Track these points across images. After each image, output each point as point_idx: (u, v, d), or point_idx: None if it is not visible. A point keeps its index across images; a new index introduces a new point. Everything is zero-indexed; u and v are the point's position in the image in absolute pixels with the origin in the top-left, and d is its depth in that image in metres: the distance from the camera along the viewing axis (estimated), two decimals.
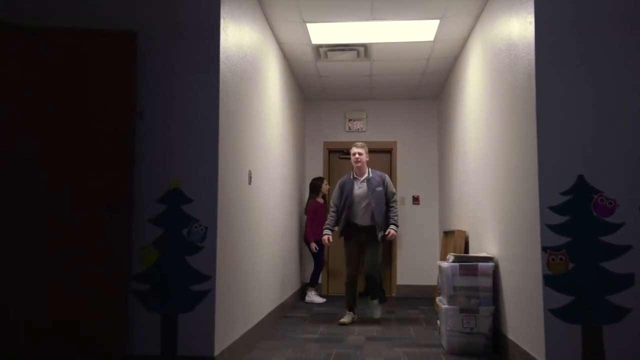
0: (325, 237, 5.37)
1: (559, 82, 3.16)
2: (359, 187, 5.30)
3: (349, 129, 7.70)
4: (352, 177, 5.38)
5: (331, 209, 5.41)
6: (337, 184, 5.45)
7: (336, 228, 5.46)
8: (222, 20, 3.41)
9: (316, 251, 6.66)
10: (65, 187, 3.12)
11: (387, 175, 5.45)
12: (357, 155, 5.31)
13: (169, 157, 3.32)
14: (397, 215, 5.35)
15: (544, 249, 3.09)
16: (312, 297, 6.74)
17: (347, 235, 5.35)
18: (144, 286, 3.26)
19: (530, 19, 3.27)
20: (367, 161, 5.41)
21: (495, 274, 4.10)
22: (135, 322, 3.22)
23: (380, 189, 5.27)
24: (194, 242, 3.26)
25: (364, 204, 5.25)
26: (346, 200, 5.28)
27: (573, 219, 3.08)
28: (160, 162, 3.31)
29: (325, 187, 6.96)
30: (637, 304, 3.00)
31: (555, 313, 3.05)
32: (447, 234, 6.21)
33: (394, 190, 5.42)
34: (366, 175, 5.35)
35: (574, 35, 3.17)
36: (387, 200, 5.32)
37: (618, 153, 3.09)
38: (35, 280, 3.05)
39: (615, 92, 3.13)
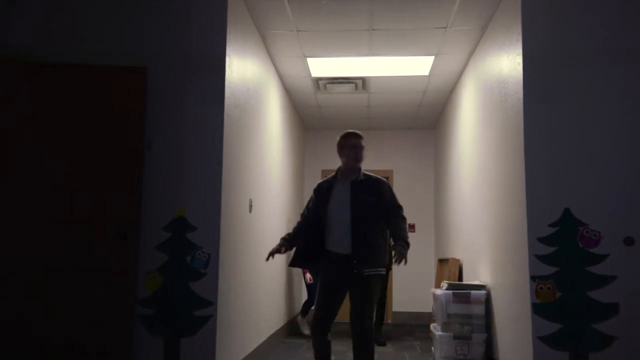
0: (273, 250, 3.46)
1: (545, 120, 3.34)
2: (339, 192, 3.44)
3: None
4: (336, 177, 3.56)
5: (299, 219, 3.76)
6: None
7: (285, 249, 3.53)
8: (227, 58, 3.60)
9: (311, 282, 6.33)
10: (77, 213, 3.27)
11: (387, 183, 3.57)
12: (361, 151, 3.58)
13: (175, 186, 3.47)
14: (405, 231, 3.42)
15: (533, 278, 3.23)
16: (302, 326, 6.37)
17: (313, 266, 3.98)
18: (148, 311, 3.38)
19: (519, 60, 3.46)
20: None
21: (488, 301, 4.23)
22: (140, 345, 3.34)
23: (371, 198, 3.39)
24: (197, 269, 3.40)
25: (341, 219, 3.36)
26: (318, 210, 3.49)
27: (560, 250, 3.24)
28: (167, 191, 3.46)
29: None
30: (622, 332, 3.13)
31: (543, 340, 3.17)
32: (442, 262, 6.34)
33: (397, 202, 3.51)
34: (355, 176, 3.48)
35: (560, 75, 3.37)
36: (385, 215, 3.42)
37: (602, 187, 3.26)
38: (52, 298, 3.21)
39: (599, 127, 3.31)
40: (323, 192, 3.55)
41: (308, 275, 6.52)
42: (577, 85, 3.36)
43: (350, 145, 3.54)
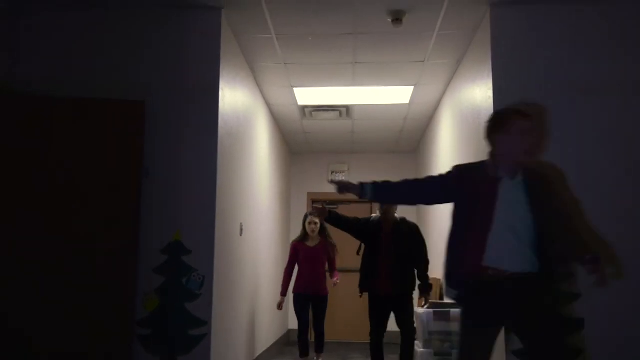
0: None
1: None
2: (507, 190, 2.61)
3: (332, 181, 8.13)
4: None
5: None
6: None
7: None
8: (220, 91, 3.85)
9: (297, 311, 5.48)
10: (79, 237, 3.47)
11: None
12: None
13: (172, 211, 3.68)
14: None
15: None
16: None
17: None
18: (146, 330, 3.56)
19: (490, 94, 3.77)
20: None
21: None
22: None
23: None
24: (192, 290, 3.60)
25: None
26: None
27: None
28: (164, 216, 3.67)
29: (307, 225, 5.55)
30: (588, 345, 3.39)
31: (516, 354, 3.41)
32: None
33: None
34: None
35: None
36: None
37: None
38: (54, 317, 3.40)
39: (565, 157, 3.60)
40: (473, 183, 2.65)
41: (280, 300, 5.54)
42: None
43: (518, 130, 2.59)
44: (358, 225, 4.77)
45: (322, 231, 5.51)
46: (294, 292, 5.48)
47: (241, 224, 4.52)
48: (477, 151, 4.10)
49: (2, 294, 3.39)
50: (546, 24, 3.74)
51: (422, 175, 7.21)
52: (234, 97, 4.29)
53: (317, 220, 5.40)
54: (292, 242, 5.67)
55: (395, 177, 8.36)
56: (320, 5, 3.81)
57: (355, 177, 8.10)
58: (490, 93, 3.76)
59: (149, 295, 3.60)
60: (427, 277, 4.75)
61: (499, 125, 2.64)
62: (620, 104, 3.63)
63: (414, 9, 3.84)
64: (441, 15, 3.93)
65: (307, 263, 5.44)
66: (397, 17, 3.90)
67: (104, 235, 3.49)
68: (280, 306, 5.51)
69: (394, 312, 4.67)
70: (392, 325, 4.79)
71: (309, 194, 8.15)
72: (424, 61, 4.75)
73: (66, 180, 3.52)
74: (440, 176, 2.82)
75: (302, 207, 8.10)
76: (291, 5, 3.81)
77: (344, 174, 8.16)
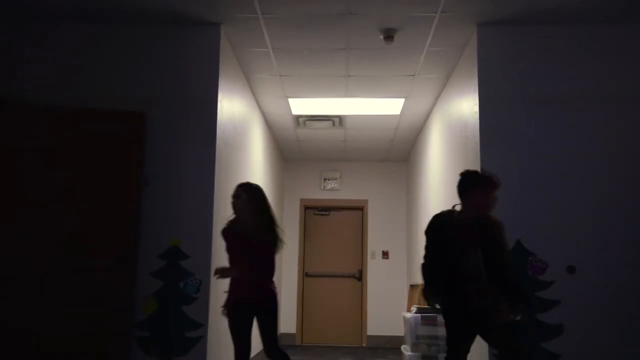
0: None
1: (499, 161, 3.82)
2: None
3: (324, 188, 8.31)
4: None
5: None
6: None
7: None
8: (219, 103, 4.01)
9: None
10: (81, 243, 3.61)
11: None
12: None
13: (170, 218, 3.83)
14: None
15: None
16: None
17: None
18: (144, 333, 3.71)
19: (476, 108, 3.96)
20: None
21: None
22: None
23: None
24: (189, 294, 3.75)
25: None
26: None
27: None
28: (163, 223, 3.82)
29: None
30: (565, 350, 3.57)
31: (498, 358, 3.58)
32: (413, 287, 6.75)
33: None
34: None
35: (510, 118, 3.87)
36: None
37: (549, 221, 3.73)
38: (56, 319, 3.55)
39: (546, 168, 3.80)
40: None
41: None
42: (526, 128, 3.86)
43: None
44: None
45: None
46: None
47: None
48: (465, 161, 4.29)
49: (5, 295, 3.52)
50: (528, 43, 3.96)
51: (413, 184, 7.40)
52: (231, 107, 4.45)
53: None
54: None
55: (386, 184, 8.57)
56: (315, 22, 3.98)
57: (347, 184, 8.33)
58: (476, 108, 3.95)
59: (147, 299, 3.74)
60: None
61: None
62: (594, 112, 3.86)
63: (405, 27, 4.02)
64: (431, 33, 4.11)
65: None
66: (389, 35, 4.08)
67: (104, 240, 3.64)
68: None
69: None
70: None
71: (301, 200, 8.31)
72: (414, 75, 4.94)
73: (68, 187, 3.67)
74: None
75: (295, 213, 8.26)
76: (287, 21, 3.98)
77: (336, 180, 8.34)
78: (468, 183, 3.21)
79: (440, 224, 3.23)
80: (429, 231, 3.26)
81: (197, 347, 3.69)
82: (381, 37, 4.13)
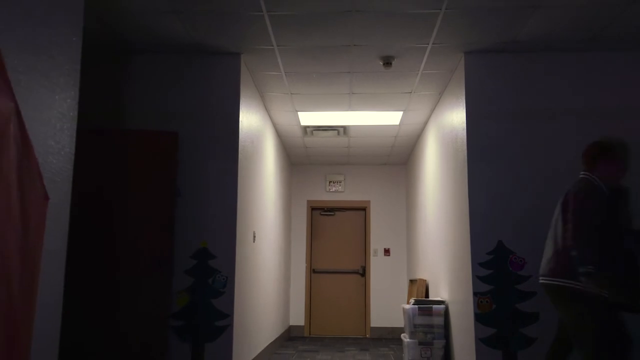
0: None
1: (484, 171, 4.40)
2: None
3: (329, 190, 8.91)
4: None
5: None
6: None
7: None
8: (240, 123, 4.60)
9: None
10: (126, 245, 4.21)
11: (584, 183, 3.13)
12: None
13: (200, 224, 4.43)
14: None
15: (475, 294, 4.25)
16: None
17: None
18: (179, 322, 4.31)
19: (464, 126, 4.54)
20: None
21: (446, 314, 5.25)
22: (172, 349, 4.26)
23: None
24: (217, 289, 4.35)
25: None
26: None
27: (495, 272, 4.27)
28: (193, 228, 4.42)
29: None
30: (541, 334, 4.16)
31: (483, 341, 4.19)
32: (412, 282, 7.35)
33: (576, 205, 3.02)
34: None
35: (494, 131, 4.44)
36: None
37: (527, 223, 4.31)
38: (108, 307, 4.12)
39: (525, 176, 4.38)
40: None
41: None
42: (505, 140, 4.43)
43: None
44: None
45: None
46: None
47: (254, 232, 5.28)
48: (454, 174, 4.87)
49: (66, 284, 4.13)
50: (507, 68, 4.54)
51: (412, 186, 7.98)
52: (249, 123, 5.05)
53: None
54: None
55: (387, 186, 9.18)
56: (323, 52, 4.56)
57: (350, 187, 8.92)
58: (464, 120, 4.53)
59: (181, 293, 4.34)
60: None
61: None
62: (567, 126, 4.43)
63: (401, 55, 4.60)
64: (424, 59, 4.69)
65: None
66: (388, 61, 4.66)
67: (146, 243, 4.24)
68: None
69: None
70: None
71: (308, 201, 8.91)
72: (410, 92, 5.52)
73: (115, 201, 4.27)
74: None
75: (302, 214, 8.86)
76: (299, 51, 4.56)
77: (340, 183, 8.93)
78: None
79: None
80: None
81: (224, 335, 4.29)
82: (380, 63, 4.72)
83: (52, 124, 1.92)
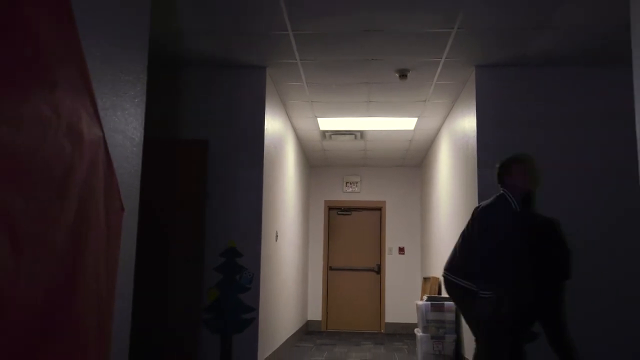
0: None
1: (493, 175, 4.70)
2: None
3: (346, 190, 9.24)
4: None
5: None
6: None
7: None
8: (265, 130, 4.96)
9: None
10: (164, 245, 4.59)
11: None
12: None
13: (228, 225, 4.79)
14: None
15: None
16: None
17: None
18: (209, 316, 4.69)
19: (475, 128, 4.85)
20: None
21: (457, 310, 5.56)
22: (203, 340, 4.64)
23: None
24: (244, 285, 4.71)
25: None
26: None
27: None
28: (222, 229, 4.79)
29: None
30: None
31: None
32: (426, 280, 7.67)
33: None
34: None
35: (502, 138, 4.74)
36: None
37: None
38: (144, 303, 4.50)
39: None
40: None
41: None
42: (512, 146, 4.69)
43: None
44: None
45: None
46: None
47: (277, 231, 5.64)
48: (466, 178, 5.18)
49: None
50: (516, 80, 4.84)
51: (426, 187, 8.28)
52: (273, 130, 5.40)
53: None
54: None
55: (402, 187, 9.53)
56: (342, 65, 4.90)
57: (366, 187, 9.24)
58: (474, 128, 4.84)
59: (211, 289, 4.71)
60: None
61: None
62: (573, 133, 4.71)
63: (416, 68, 4.92)
64: (437, 72, 5.01)
65: None
66: (403, 74, 4.98)
67: (180, 243, 4.62)
68: None
69: None
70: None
71: (326, 201, 9.26)
72: (425, 101, 5.84)
73: (152, 201, 4.64)
74: None
75: (320, 213, 9.21)
76: (320, 64, 4.90)
77: (357, 184, 9.26)
78: None
79: None
80: None
81: (251, 327, 4.65)
82: (397, 75, 5.04)
83: (127, 146, 2.31)
